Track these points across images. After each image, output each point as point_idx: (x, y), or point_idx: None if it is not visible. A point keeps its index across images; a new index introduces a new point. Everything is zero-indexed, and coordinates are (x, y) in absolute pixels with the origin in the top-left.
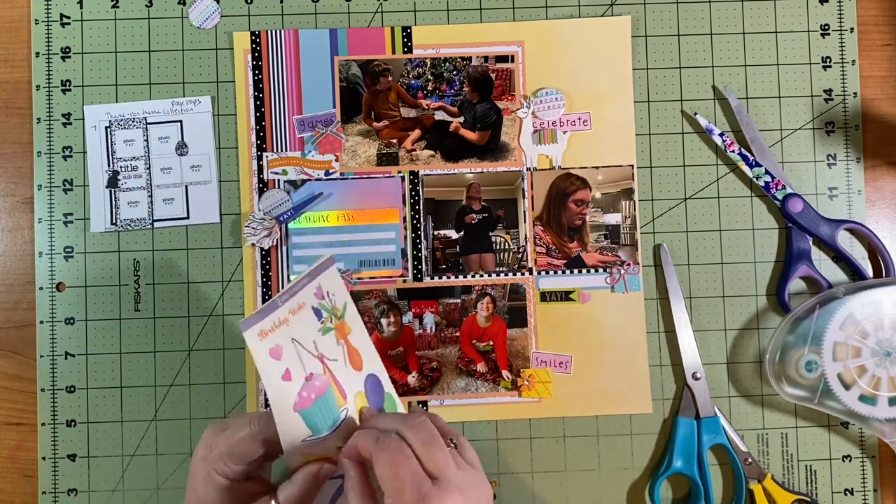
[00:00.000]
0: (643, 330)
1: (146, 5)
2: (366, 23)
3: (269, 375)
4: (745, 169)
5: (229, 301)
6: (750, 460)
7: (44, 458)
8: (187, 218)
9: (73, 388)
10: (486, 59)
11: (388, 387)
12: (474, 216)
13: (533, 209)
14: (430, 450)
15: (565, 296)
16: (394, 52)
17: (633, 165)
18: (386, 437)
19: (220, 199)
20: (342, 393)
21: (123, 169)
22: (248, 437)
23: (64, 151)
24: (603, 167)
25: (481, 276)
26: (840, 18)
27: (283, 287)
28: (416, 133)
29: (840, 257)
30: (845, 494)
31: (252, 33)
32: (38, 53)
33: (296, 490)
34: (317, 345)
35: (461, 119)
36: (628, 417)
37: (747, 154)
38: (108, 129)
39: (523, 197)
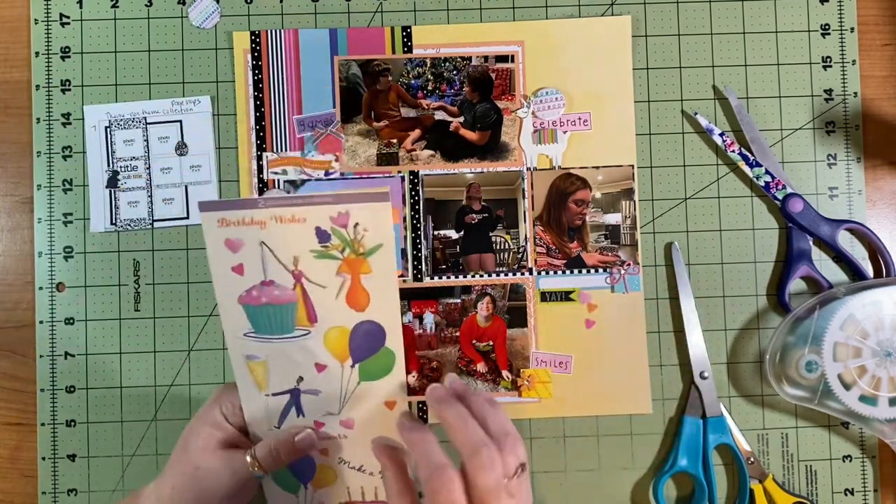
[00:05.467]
0: (643, 330)
1: (146, 5)
2: (366, 23)
3: (217, 261)
4: (746, 169)
5: None
6: (752, 460)
7: (44, 459)
8: (187, 218)
9: (72, 388)
10: (486, 58)
11: (394, 343)
12: (474, 216)
13: (533, 209)
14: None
15: (565, 296)
16: (394, 52)
17: (633, 165)
18: (485, 447)
19: (219, 200)
20: (311, 316)
21: (123, 169)
22: None
23: (64, 151)
24: (603, 167)
25: (481, 276)
26: (840, 18)
27: None
28: (416, 133)
29: (840, 257)
30: (845, 494)
31: (252, 33)
32: (37, 53)
33: (272, 448)
34: (298, 261)
35: (461, 119)
36: (628, 417)
37: (747, 154)
38: (108, 129)
39: (523, 197)
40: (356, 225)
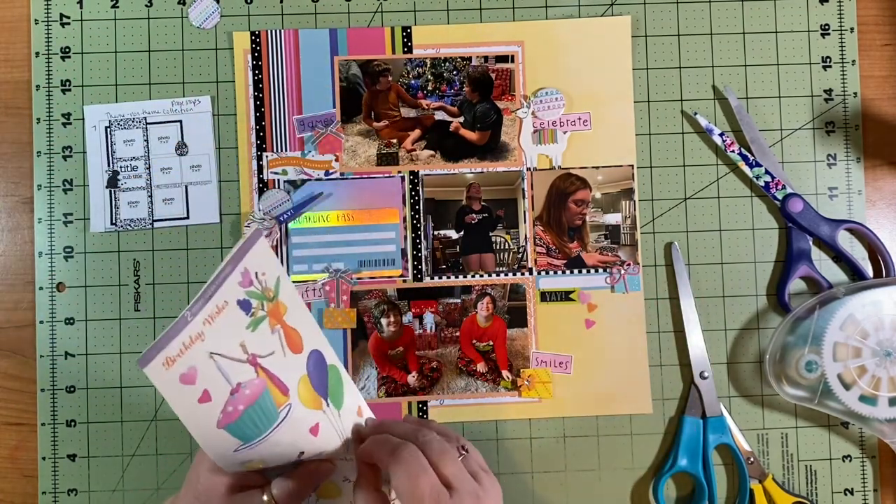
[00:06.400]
0: (643, 330)
1: (146, 5)
2: (366, 23)
3: (181, 404)
4: (745, 169)
5: None
6: (752, 460)
7: (44, 458)
8: (187, 218)
9: (73, 388)
10: (486, 59)
11: (332, 358)
12: (474, 216)
13: (533, 209)
14: (445, 460)
15: (565, 296)
16: (394, 52)
17: (633, 165)
18: (403, 447)
19: (219, 199)
20: (282, 389)
21: (123, 169)
22: None
23: (64, 151)
24: (603, 167)
25: (481, 276)
26: (840, 18)
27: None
28: (416, 133)
29: (840, 257)
30: (845, 494)
31: (252, 33)
32: (37, 53)
33: (291, 486)
34: (246, 346)
35: (461, 119)
36: (628, 417)
37: (747, 154)
38: (108, 129)
39: (523, 197)
40: (256, 274)
